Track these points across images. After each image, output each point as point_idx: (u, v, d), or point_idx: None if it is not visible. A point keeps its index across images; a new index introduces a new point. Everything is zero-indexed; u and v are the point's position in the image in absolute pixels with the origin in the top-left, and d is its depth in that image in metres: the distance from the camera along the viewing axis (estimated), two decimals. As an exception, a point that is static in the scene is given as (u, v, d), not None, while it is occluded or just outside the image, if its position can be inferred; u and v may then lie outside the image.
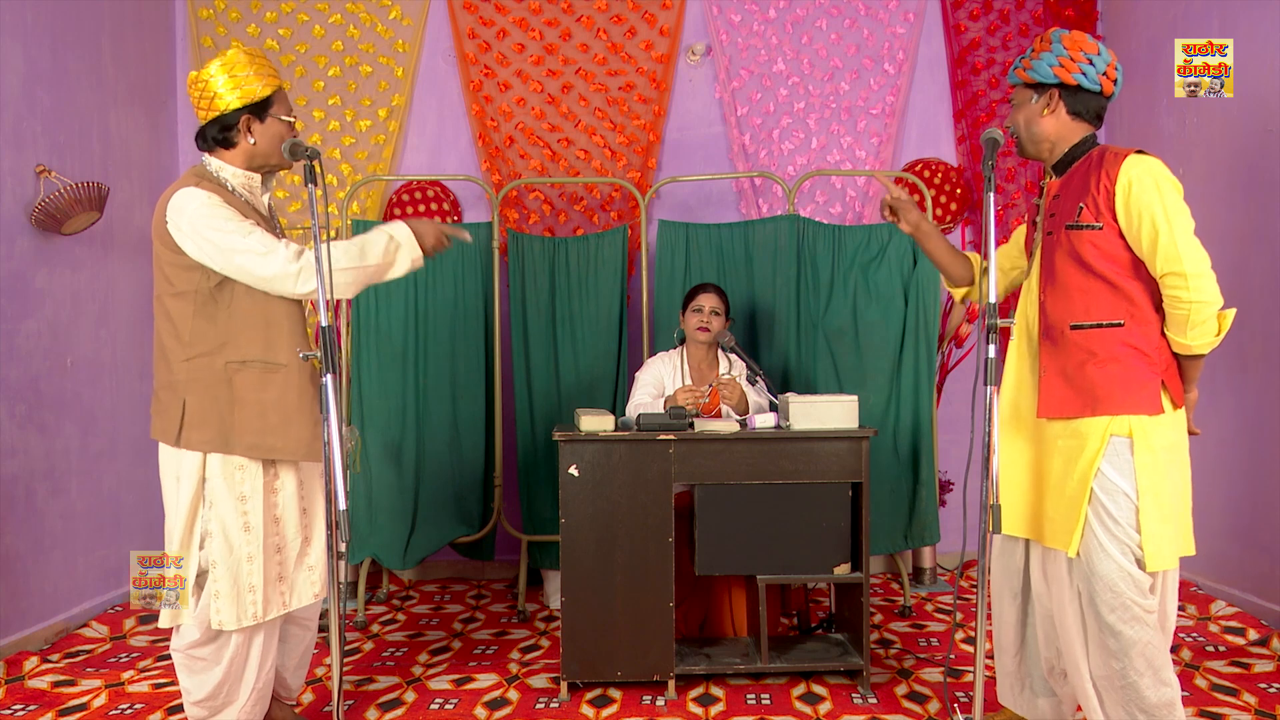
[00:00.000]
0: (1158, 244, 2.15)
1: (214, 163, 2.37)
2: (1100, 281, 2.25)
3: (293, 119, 2.40)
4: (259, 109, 2.33)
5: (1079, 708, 2.52)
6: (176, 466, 2.34)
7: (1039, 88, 2.33)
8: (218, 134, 2.34)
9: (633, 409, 3.37)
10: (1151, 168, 2.18)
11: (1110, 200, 2.20)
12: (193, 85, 2.31)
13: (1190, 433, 2.33)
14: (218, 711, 2.41)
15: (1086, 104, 2.31)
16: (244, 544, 2.33)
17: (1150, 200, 2.15)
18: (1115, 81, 2.31)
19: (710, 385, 3.38)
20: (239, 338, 2.31)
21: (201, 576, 2.34)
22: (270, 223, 2.47)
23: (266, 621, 2.39)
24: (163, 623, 2.35)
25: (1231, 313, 2.19)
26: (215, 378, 2.31)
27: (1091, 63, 2.27)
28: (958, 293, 2.71)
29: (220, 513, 2.31)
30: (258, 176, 2.41)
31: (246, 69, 2.29)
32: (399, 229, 2.43)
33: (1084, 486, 2.24)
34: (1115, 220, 2.21)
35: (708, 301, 3.47)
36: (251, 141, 2.34)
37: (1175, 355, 2.26)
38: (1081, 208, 2.25)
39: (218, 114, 2.31)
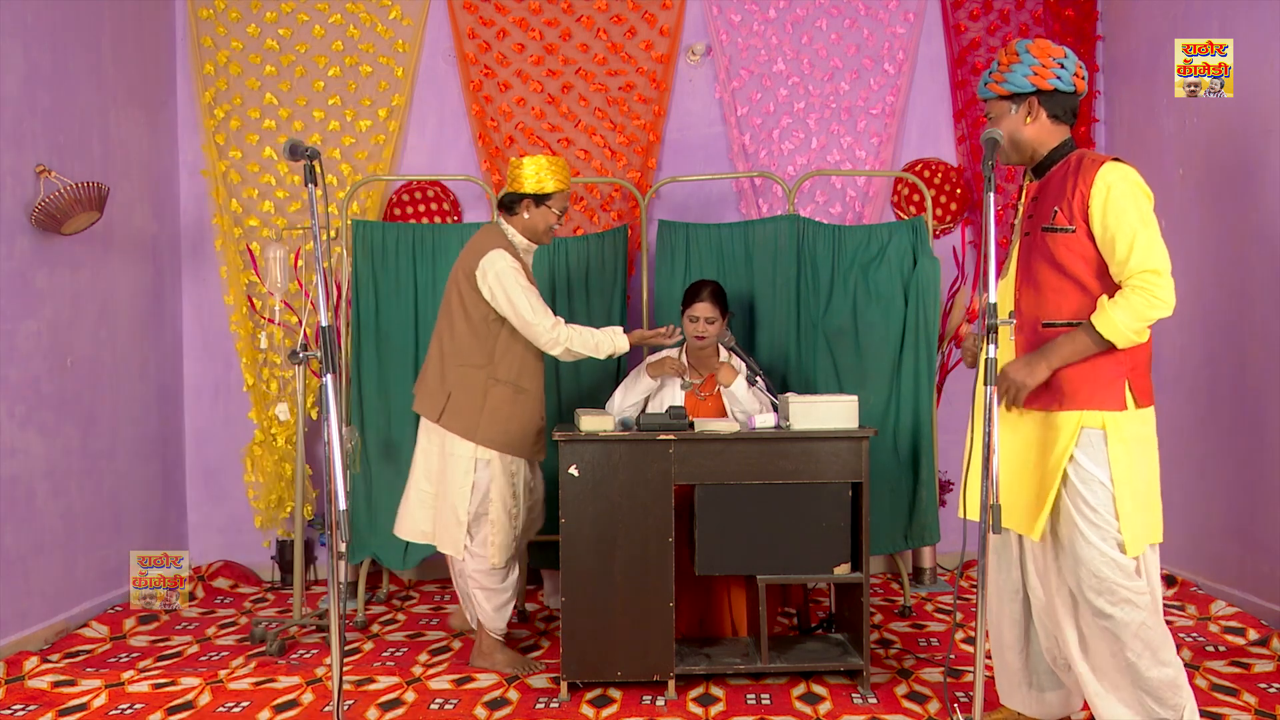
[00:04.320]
0: (1133, 245, 2.22)
1: (506, 227, 3.17)
2: (1071, 282, 2.32)
3: (561, 213, 3.17)
4: (540, 199, 3.12)
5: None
6: (460, 449, 3.10)
7: (1016, 98, 2.39)
8: (508, 203, 3.16)
9: (614, 407, 3.43)
10: (1126, 175, 2.27)
11: (1084, 205, 2.28)
12: (513, 166, 3.13)
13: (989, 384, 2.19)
14: (504, 620, 3.22)
15: (1063, 105, 2.39)
16: (512, 506, 3.14)
17: (1125, 206, 2.24)
18: (1083, 79, 2.39)
19: (705, 377, 3.41)
20: (500, 362, 3.09)
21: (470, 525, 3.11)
22: (530, 278, 3.17)
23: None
24: (445, 549, 3.16)
25: (1148, 332, 2.29)
26: (475, 386, 3.07)
27: (1063, 65, 2.35)
28: None
29: (499, 485, 3.10)
30: (532, 245, 3.21)
31: (549, 171, 3.10)
32: (621, 344, 3.21)
33: (1055, 476, 2.31)
34: (1087, 224, 2.29)
35: (702, 312, 3.39)
36: (526, 217, 3.15)
37: (1089, 326, 2.26)
38: (1056, 211, 2.33)
39: (515, 190, 3.11)
